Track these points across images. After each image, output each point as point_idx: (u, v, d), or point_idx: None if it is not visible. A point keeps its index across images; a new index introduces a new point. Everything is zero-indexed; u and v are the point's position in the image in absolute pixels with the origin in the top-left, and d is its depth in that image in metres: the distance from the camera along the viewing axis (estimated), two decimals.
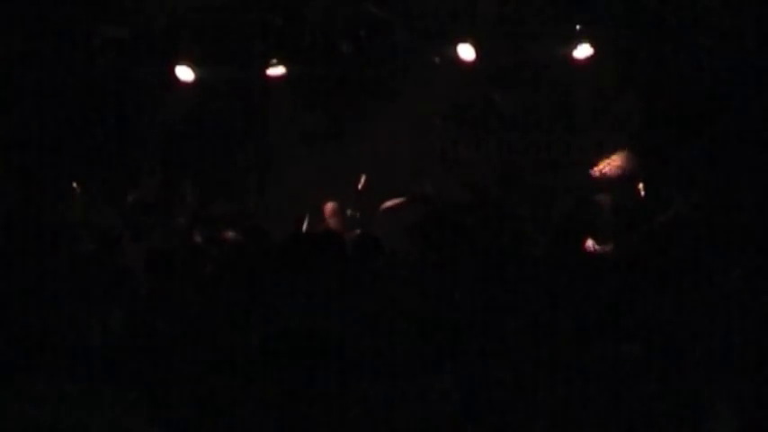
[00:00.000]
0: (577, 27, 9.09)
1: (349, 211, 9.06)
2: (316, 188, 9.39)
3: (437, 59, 9.86)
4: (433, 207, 8.17)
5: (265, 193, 10.06)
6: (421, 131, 10.49)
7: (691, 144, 9.22)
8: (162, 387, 3.65)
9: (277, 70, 9.85)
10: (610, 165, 8.51)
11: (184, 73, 9.80)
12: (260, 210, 9.79)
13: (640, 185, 8.37)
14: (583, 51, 9.17)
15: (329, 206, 9.06)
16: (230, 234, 8.31)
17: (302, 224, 8.84)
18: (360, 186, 8.98)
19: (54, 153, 10.23)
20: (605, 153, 9.69)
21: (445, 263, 5.90)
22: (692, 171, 9.01)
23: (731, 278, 4.92)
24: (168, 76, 9.73)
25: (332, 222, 9.02)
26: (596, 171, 8.64)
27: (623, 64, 9.42)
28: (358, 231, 7.91)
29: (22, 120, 10.09)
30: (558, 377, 4.10)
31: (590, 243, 8.18)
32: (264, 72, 9.85)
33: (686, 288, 4.86)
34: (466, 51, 9.33)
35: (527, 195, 9.74)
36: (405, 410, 3.86)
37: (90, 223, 8.32)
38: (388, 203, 8.72)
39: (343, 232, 8.34)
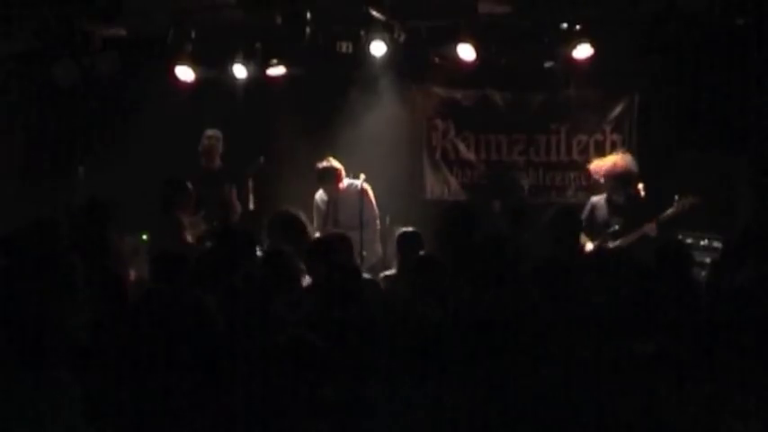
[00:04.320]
0: (577, 27, 9.09)
1: None
2: (314, 188, 9.40)
3: (437, 59, 9.87)
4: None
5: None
6: (420, 132, 10.50)
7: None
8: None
9: (277, 70, 9.86)
10: (606, 164, 8.51)
11: (184, 73, 9.80)
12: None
13: (640, 185, 8.35)
14: (583, 51, 9.17)
15: None
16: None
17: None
18: (357, 191, 8.98)
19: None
20: (605, 153, 9.73)
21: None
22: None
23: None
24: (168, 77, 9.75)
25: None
26: (593, 170, 8.65)
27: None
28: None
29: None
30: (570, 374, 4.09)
31: (589, 245, 8.21)
32: (264, 72, 9.86)
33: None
34: (466, 51, 9.33)
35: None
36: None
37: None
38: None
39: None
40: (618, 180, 8.31)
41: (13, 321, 3.38)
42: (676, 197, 8.07)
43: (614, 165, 8.42)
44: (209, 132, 9.69)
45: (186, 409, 3.92)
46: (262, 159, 9.32)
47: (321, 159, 9.25)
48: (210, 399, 3.99)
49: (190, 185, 8.47)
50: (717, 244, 8.62)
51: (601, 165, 8.52)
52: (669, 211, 8.06)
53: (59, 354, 3.40)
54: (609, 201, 8.45)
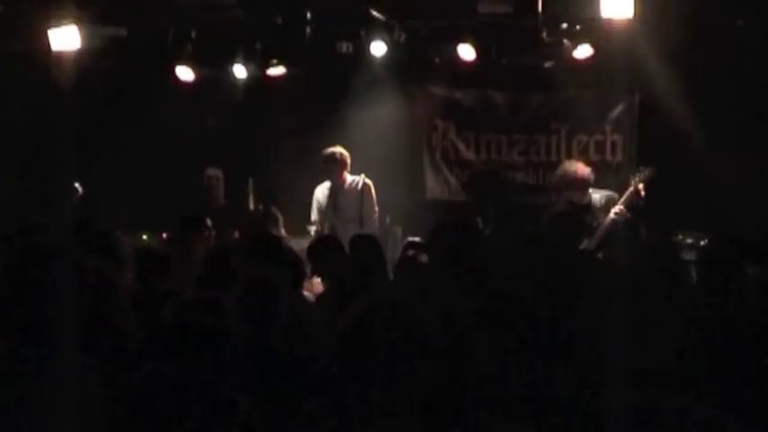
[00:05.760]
0: (577, 27, 9.08)
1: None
2: (314, 186, 9.40)
3: (437, 59, 9.88)
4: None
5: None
6: (420, 132, 10.50)
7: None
8: None
9: (277, 70, 9.87)
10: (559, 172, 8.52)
11: (184, 73, 9.81)
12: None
13: (641, 186, 8.33)
14: (583, 51, 9.17)
15: None
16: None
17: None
18: (359, 187, 8.99)
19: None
20: (605, 153, 9.75)
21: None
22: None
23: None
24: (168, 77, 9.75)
25: None
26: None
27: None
28: None
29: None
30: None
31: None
32: (264, 72, 9.87)
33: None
34: (466, 51, 9.33)
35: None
36: None
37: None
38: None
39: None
40: (575, 187, 8.32)
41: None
42: (630, 175, 8.07)
43: (566, 172, 8.42)
44: (210, 172, 9.54)
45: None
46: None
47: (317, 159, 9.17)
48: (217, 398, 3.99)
49: (209, 221, 8.33)
50: None
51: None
52: (627, 192, 8.06)
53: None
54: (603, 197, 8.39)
